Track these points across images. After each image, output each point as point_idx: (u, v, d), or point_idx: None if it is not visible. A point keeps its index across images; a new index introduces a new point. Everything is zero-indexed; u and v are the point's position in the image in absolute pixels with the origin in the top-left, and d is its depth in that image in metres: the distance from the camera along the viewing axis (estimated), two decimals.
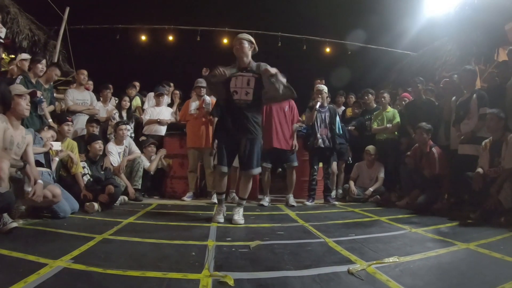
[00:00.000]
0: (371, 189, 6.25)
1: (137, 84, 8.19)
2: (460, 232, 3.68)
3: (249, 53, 4.29)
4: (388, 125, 6.49)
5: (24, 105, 3.73)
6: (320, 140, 6.01)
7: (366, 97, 7.38)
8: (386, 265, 2.44)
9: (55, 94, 6.22)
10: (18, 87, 3.91)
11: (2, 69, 5.77)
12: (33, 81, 5.32)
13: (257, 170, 4.36)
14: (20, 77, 5.18)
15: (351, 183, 6.48)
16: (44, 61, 5.58)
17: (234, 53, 4.30)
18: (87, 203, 4.53)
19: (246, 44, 4.24)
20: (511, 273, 2.33)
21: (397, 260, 2.52)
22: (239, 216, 4.19)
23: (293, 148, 5.89)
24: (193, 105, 6.43)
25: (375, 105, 7.25)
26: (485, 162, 4.54)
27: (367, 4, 10.96)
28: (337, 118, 6.32)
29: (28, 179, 3.61)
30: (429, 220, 4.28)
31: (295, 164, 5.94)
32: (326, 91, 6.34)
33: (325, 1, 11.52)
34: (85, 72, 6.65)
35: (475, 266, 2.56)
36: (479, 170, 4.47)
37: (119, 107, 7.08)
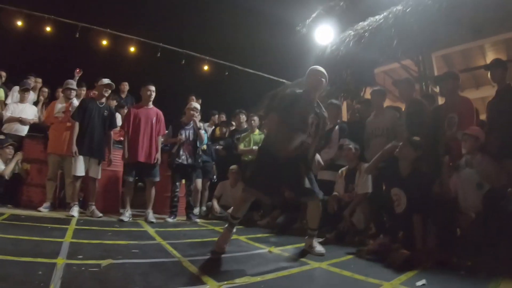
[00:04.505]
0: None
1: (3, 74, 7.24)
2: None
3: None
4: (254, 147, 6.61)
5: None
6: (183, 157, 5.95)
7: (238, 117, 7.53)
8: (237, 285, 2.37)
9: None
10: None
11: None
12: None
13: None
14: None
15: (214, 201, 6.47)
16: None
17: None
18: None
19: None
20: None
21: (248, 280, 2.46)
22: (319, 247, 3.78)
23: (156, 161, 5.70)
24: (59, 106, 6.00)
25: (245, 126, 7.40)
26: (340, 187, 4.90)
27: (252, 30, 11.31)
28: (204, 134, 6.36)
29: None
30: (287, 240, 4.36)
31: (157, 179, 5.75)
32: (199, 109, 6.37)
33: (212, 24, 11.62)
34: None
35: (325, 285, 2.64)
36: (335, 194, 4.82)
37: None
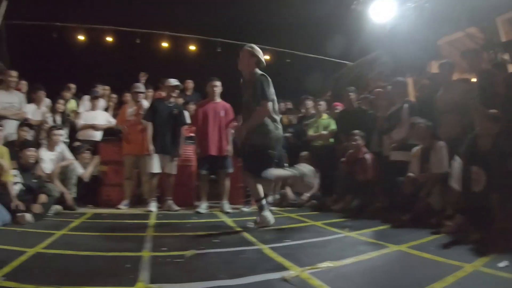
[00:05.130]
0: (307, 194, 6.30)
1: (72, 86, 7.87)
2: (392, 234, 3.75)
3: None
4: (323, 132, 6.61)
5: None
6: None
7: (304, 103, 7.53)
8: (319, 270, 2.40)
9: None
10: None
11: None
12: None
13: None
14: None
15: (288, 188, 6.52)
16: None
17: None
18: (19, 214, 4.11)
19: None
20: (439, 272, 2.36)
21: (331, 265, 2.50)
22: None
23: (227, 153, 5.85)
24: (130, 110, 6.30)
25: (313, 112, 7.37)
26: (415, 167, 4.72)
27: (308, 14, 11.10)
28: None
29: None
30: (362, 224, 4.32)
31: (230, 170, 5.90)
32: None
33: (268, 12, 11.51)
34: (15, 74, 6.25)
35: (406, 267, 2.60)
36: (410, 174, 4.65)
37: (53, 110, 6.75)
